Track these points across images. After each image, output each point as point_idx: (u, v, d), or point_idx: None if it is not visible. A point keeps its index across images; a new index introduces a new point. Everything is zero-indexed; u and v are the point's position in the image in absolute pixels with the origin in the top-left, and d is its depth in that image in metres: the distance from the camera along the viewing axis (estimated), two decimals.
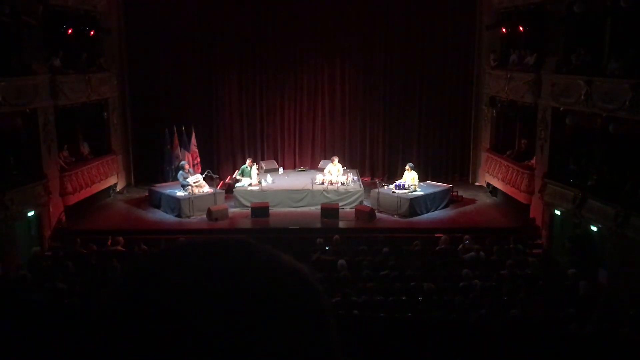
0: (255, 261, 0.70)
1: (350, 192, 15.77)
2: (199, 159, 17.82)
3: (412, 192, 15.41)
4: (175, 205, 15.24)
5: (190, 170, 16.13)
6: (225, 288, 0.65)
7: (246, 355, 0.61)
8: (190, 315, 0.62)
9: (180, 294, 0.64)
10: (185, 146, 17.60)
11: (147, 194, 16.82)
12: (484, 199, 17.07)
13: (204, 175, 16.12)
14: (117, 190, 17.80)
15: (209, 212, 14.97)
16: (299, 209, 15.58)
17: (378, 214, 15.18)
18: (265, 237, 12.99)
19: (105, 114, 17.05)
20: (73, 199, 15.19)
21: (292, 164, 18.99)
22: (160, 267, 0.69)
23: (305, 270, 0.72)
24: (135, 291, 0.67)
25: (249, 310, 0.63)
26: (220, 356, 0.61)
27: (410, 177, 15.64)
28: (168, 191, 15.81)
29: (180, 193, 15.41)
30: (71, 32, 15.63)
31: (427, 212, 15.41)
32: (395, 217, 15.12)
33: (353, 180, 16.21)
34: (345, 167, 16.91)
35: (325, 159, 17.96)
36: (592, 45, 13.36)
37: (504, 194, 16.46)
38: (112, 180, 17.39)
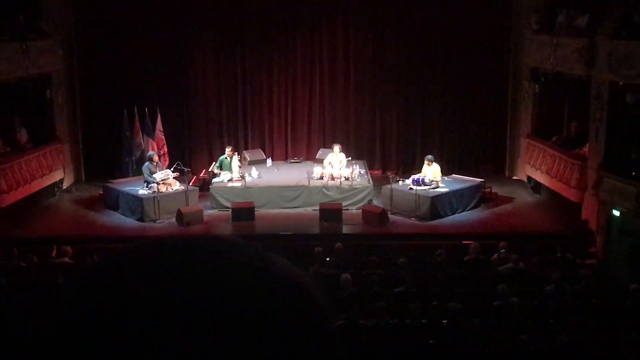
0: (241, 265, 0.68)
1: (356, 188, 15.80)
2: (166, 148, 17.83)
3: (433, 188, 15.44)
4: (137, 206, 15.26)
5: (159, 163, 16.12)
6: (201, 300, 0.62)
7: None
8: (156, 337, 0.60)
9: (141, 309, 0.61)
10: (149, 132, 17.60)
11: (101, 192, 16.86)
12: (524, 197, 17.12)
13: (172, 169, 16.10)
14: (64, 187, 17.81)
15: (179, 215, 14.98)
16: (292, 210, 15.63)
17: (391, 216, 15.23)
18: None
19: (48, 92, 17.02)
20: (8, 199, 15.17)
21: (283, 154, 19.05)
22: (118, 274, 0.66)
23: (305, 280, 0.70)
24: (82, 306, 0.64)
25: (231, 330, 0.61)
26: None
27: (431, 172, 15.65)
28: (128, 189, 15.82)
29: (142, 191, 15.40)
30: None
31: (453, 213, 15.46)
32: (413, 220, 15.16)
33: (359, 174, 16.24)
34: (349, 158, 16.93)
35: (324, 147, 17.99)
36: None
37: (549, 191, 16.50)
38: (57, 176, 17.40)
